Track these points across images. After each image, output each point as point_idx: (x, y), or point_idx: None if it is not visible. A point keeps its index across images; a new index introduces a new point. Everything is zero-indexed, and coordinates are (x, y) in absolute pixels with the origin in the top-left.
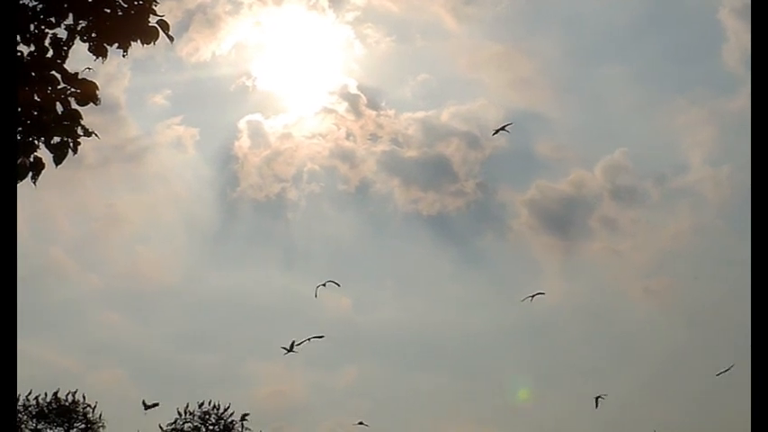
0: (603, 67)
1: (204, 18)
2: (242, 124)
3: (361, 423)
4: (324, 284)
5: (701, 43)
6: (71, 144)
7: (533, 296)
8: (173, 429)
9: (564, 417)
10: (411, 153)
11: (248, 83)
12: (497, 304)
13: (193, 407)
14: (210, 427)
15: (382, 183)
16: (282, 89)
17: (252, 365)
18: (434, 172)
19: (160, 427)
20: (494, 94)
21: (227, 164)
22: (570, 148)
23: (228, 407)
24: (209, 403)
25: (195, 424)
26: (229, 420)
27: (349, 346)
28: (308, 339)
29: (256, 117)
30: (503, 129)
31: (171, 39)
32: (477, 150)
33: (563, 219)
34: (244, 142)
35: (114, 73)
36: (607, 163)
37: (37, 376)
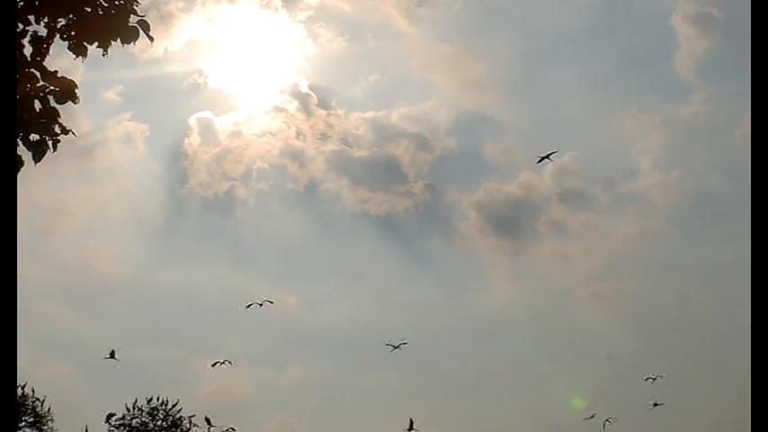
0: (555, 71)
1: (157, 14)
2: (192, 121)
3: None
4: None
5: (653, 49)
6: (50, 142)
7: (546, 156)
8: (120, 425)
9: (509, 417)
10: (360, 153)
11: (200, 80)
12: (444, 305)
13: (142, 402)
14: (158, 423)
15: (331, 182)
16: (234, 87)
17: (198, 362)
18: (383, 172)
19: (107, 423)
20: (445, 95)
21: (177, 161)
22: (520, 150)
23: (177, 403)
24: (158, 399)
25: (143, 419)
26: (177, 417)
27: (295, 345)
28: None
29: (207, 114)
30: (547, 157)
31: (151, 39)
32: (427, 152)
33: (511, 221)
34: (194, 139)
35: (67, 67)
36: (556, 166)
37: None
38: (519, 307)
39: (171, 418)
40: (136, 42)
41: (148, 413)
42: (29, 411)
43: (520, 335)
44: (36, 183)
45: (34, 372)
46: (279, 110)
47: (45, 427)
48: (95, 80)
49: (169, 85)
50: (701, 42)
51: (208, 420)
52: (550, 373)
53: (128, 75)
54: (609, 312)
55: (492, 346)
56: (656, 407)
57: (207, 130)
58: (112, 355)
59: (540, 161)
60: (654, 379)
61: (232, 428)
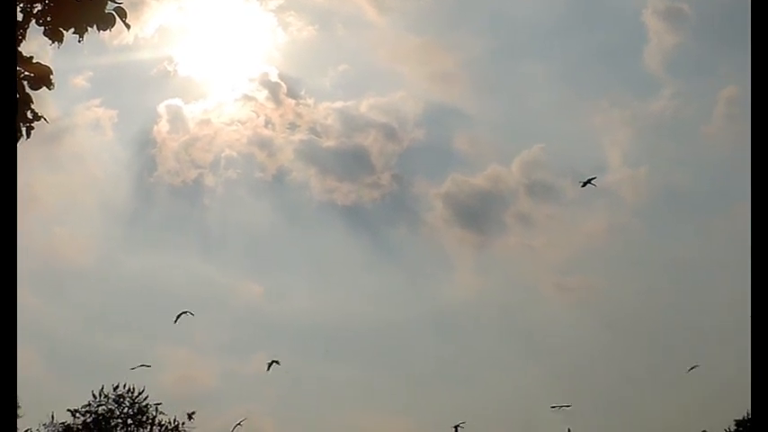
0: (525, 65)
1: (128, 1)
2: (161, 108)
3: None
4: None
5: (623, 44)
6: (23, 128)
7: (589, 181)
8: (86, 412)
9: (472, 409)
10: (329, 143)
11: (170, 67)
12: (409, 296)
13: (108, 389)
14: (125, 410)
15: (299, 172)
16: (204, 75)
17: (162, 350)
18: (351, 162)
19: (70, 411)
20: (413, 86)
21: (146, 148)
22: (488, 143)
23: (143, 390)
24: (124, 386)
25: (110, 407)
26: (144, 404)
27: (260, 334)
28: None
29: (176, 102)
30: (589, 182)
31: (128, 26)
32: (395, 142)
33: (478, 213)
34: (163, 127)
35: (37, 51)
36: (524, 159)
37: None
38: (484, 299)
39: (137, 406)
40: (112, 29)
41: (114, 400)
42: None
43: (485, 327)
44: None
45: None
46: (248, 98)
47: None
48: (65, 66)
49: (139, 71)
50: (671, 37)
51: (189, 416)
52: (514, 365)
53: (98, 61)
54: (574, 306)
55: (456, 338)
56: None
57: (176, 118)
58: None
59: (583, 185)
60: (560, 407)
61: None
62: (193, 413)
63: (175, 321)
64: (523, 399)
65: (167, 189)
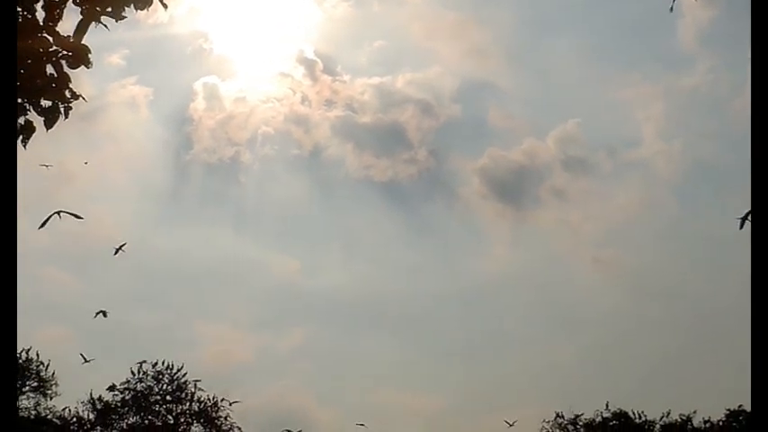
0: (558, 39)
1: None
2: (198, 86)
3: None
4: None
5: (656, 19)
6: (62, 108)
7: None
8: (126, 388)
9: (507, 380)
10: (365, 119)
11: (205, 45)
12: (445, 271)
13: (146, 366)
14: (164, 387)
15: (336, 148)
16: (239, 52)
17: (199, 326)
18: (388, 138)
19: (109, 389)
20: (448, 62)
21: (182, 126)
22: (523, 117)
23: (182, 367)
24: (163, 363)
25: (148, 384)
26: (183, 381)
27: (296, 309)
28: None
29: (212, 80)
30: None
31: (165, 5)
32: (431, 118)
33: (514, 188)
34: (199, 104)
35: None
36: (559, 133)
37: None
38: (520, 273)
39: (176, 383)
40: (149, 8)
41: (153, 377)
42: (33, 376)
43: (520, 301)
44: (37, 146)
45: (36, 336)
46: (284, 76)
47: (49, 392)
48: (100, 44)
49: (174, 49)
50: (705, 12)
51: (230, 403)
52: (549, 339)
53: (133, 38)
54: (609, 280)
55: (492, 312)
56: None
57: (212, 96)
58: (103, 314)
59: None
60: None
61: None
62: (235, 402)
63: (115, 254)
64: (559, 372)
65: (203, 167)
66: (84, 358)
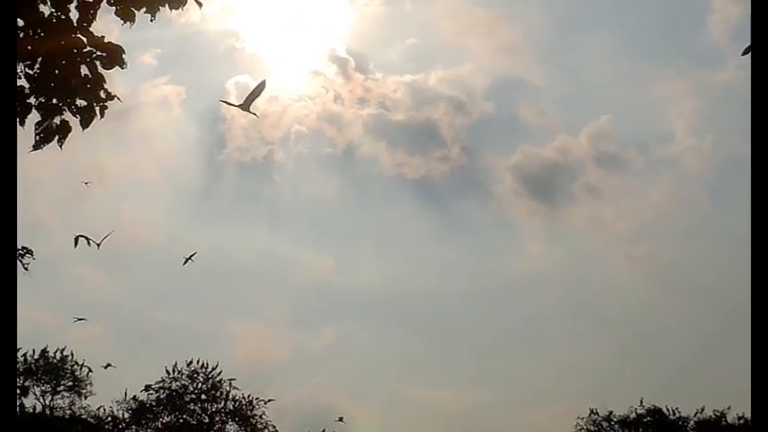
0: (590, 36)
1: None
2: (230, 85)
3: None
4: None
5: (687, 14)
6: (97, 108)
7: None
8: (160, 387)
9: (542, 378)
10: (398, 117)
11: (237, 44)
12: (479, 268)
13: (181, 365)
14: (198, 386)
15: (369, 146)
16: (271, 51)
17: (233, 324)
18: (421, 136)
19: (145, 389)
20: (480, 59)
21: (215, 125)
22: (556, 114)
23: (216, 366)
24: (198, 362)
25: (183, 382)
26: (217, 379)
27: (330, 307)
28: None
29: (244, 79)
30: None
31: (200, 4)
32: (464, 115)
33: (546, 184)
34: None
35: (102, 30)
36: (592, 130)
37: (19, 332)
38: (553, 270)
39: (211, 381)
40: (184, 7)
41: (188, 376)
42: (67, 375)
43: (553, 298)
44: (72, 147)
45: (71, 335)
46: (317, 74)
47: (83, 391)
48: (131, 43)
49: (206, 48)
50: (736, 8)
51: (265, 401)
52: (583, 335)
53: (165, 38)
54: (642, 276)
55: (525, 309)
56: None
57: (244, 95)
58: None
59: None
60: None
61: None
62: (270, 400)
63: (184, 264)
64: (593, 369)
65: (237, 166)
66: (109, 364)
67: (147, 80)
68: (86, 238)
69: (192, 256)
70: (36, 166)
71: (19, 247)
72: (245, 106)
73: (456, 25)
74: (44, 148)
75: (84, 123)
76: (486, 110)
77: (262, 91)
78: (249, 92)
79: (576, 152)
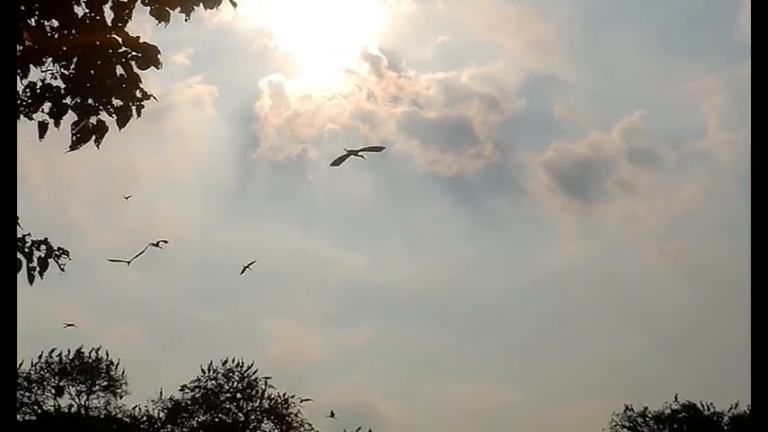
0: (620, 32)
1: None
2: (263, 84)
3: (332, 414)
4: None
5: (718, 9)
6: (133, 107)
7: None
8: (196, 387)
9: (576, 375)
10: (431, 114)
11: (270, 43)
12: (512, 265)
13: (216, 364)
14: (234, 385)
15: (402, 144)
16: (304, 50)
17: (267, 323)
18: (454, 133)
19: (180, 388)
20: (512, 56)
21: (248, 124)
22: (588, 110)
23: (252, 364)
24: (233, 361)
25: (219, 381)
26: (253, 378)
27: (364, 305)
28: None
29: (277, 77)
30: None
31: (234, 4)
32: (497, 112)
33: (579, 181)
34: (264, 102)
35: (135, 29)
36: (624, 126)
37: (54, 333)
38: (586, 266)
39: (246, 380)
40: (219, 7)
41: (223, 375)
42: (103, 375)
43: (587, 294)
44: (105, 147)
45: (105, 335)
46: (349, 72)
47: (119, 390)
48: (164, 42)
49: (239, 48)
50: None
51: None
52: (617, 332)
53: (197, 37)
54: (676, 272)
55: (559, 306)
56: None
57: (277, 93)
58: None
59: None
60: None
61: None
62: (306, 399)
63: (242, 273)
64: (627, 365)
65: (270, 164)
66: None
67: (180, 80)
68: (155, 244)
69: (250, 264)
70: (70, 166)
71: (55, 247)
72: (356, 152)
73: (487, 22)
74: (80, 148)
75: (121, 123)
76: (518, 106)
77: (378, 151)
78: (366, 146)
79: (609, 148)
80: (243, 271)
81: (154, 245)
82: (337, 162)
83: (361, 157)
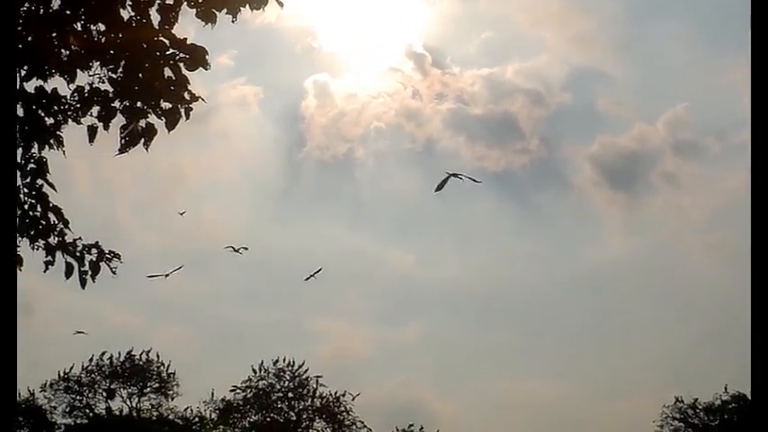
0: (663, 24)
1: None
2: (308, 84)
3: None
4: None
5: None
6: (182, 109)
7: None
8: (247, 387)
9: (626, 369)
10: (476, 111)
11: (314, 43)
12: (560, 259)
13: (267, 364)
14: (285, 384)
15: (448, 140)
16: (348, 49)
17: (317, 322)
18: (500, 129)
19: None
20: (556, 50)
21: (294, 124)
22: (632, 103)
23: (303, 363)
24: (284, 360)
25: (270, 381)
26: (304, 377)
27: (413, 303)
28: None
29: (322, 77)
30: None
31: (281, 4)
32: (542, 107)
33: (625, 173)
34: (310, 102)
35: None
36: (669, 118)
37: (104, 336)
38: (633, 259)
39: (297, 379)
40: (265, 8)
41: (275, 374)
42: (153, 377)
43: (635, 287)
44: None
45: (155, 337)
46: (394, 70)
47: (170, 392)
48: (208, 44)
49: (283, 48)
50: None
51: (353, 397)
52: (666, 325)
53: (241, 39)
54: (721, 262)
55: (608, 300)
56: None
57: (323, 93)
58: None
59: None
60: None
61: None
62: (357, 395)
63: (306, 279)
64: (676, 357)
65: (316, 164)
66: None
67: (225, 81)
68: (235, 250)
69: (316, 272)
70: (116, 169)
71: (106, 251)
72: (457, 175)
73: (530, 17)
74: (129, 151)
75: (170, 125)
76: (563, 101)
77: (476, 182)
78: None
79: (654, 140)
80: (308, 278)
81: (235, 250)
82: (440, 186)
83: (461, 178)
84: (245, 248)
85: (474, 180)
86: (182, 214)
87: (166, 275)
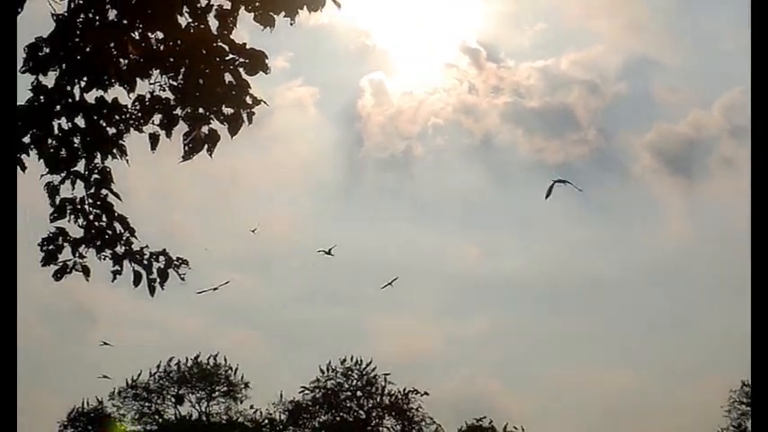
0: (714, 7)
1: None
2: (364, 83)
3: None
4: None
5: None
6: (244, 114)
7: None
8: (315, 387)
9: (691, 357)
10: (533, 103)
11: (368, 42)
12: (622, 248)
13: (335, 363)
14: (353, 383)
15: (506, 134)
16: (402, 47)
17: (382, 319)
18: (557, 121)
19: (301, 390)
20: (610, 39)
21: (351, 123)
22: (688, 89)
23: (370, 362)
24: (352, 359)
25: (338, 380)
26: (372, 375)
27: (478, 296)
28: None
29: (378, 76)
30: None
31: (338, 5)
32: (598, 97)
33: (683, 160)
34: (366, 101)
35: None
36: (724, 102)
37: (171, 341)
38: (696, 246)
39: (366, 378)
40: (323, 9)
41: (342, 374)
42: (222, 381)
43: (698, 274)
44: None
45: (223, 341)
46: (449, 66)
47: (239, 395)
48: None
49: (337, 48)
50: None
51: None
52: (730, 311)
53: (295, 40)
54: None
55: (671, 287)
56: None
57: (379, 91)
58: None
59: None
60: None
61: None
62: (426, 393)
63: (383, 287)
64: (741, 342)
65: (376, 162)
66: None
67: (281, 83)
68: (327, 252)
69: (392, 281)
70: (177, 175)
71: (174, 258)
72: (563, 181)
73: (583, 7)
74: (193, 158)
75: (233, 131)
76: (619, 90)
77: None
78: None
79: (710, 126)
80: (384, 287)
81: (326, 252)
82: (548, 193)
83: (571, 184)
84: (334, 246)
85: (577, 188)
86: (253, 231)
87: (215, 289)
